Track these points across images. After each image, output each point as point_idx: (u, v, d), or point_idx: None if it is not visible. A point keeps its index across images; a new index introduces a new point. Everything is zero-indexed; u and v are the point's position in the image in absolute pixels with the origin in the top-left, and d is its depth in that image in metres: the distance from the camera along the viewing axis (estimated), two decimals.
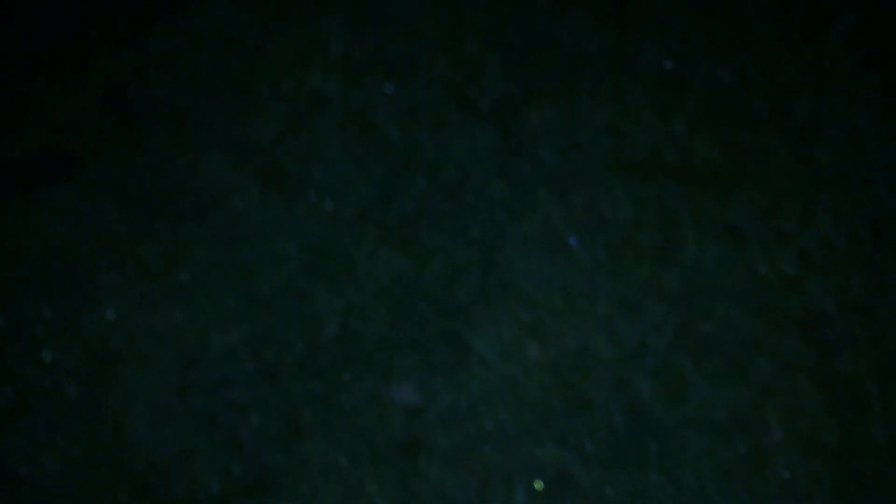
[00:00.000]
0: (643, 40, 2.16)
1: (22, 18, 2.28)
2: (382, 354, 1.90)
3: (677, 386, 1.85)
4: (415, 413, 1.86)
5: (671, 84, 2.10)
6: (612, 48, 2.16)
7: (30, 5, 2.30)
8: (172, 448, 1.84)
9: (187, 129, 2.13)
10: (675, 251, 1.96)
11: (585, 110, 2.09)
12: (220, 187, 2.06)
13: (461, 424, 1.84)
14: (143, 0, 2.30)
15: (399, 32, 2.23)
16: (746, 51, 2.14)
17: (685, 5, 2.22)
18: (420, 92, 2.14)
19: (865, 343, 1.87)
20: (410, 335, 1.93)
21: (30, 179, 2.09)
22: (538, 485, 1.63)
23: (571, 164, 2.04)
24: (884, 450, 1.80)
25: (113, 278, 1.98)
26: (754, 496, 1.78)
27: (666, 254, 1.96)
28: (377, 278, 1.97)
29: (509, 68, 2.15)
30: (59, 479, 1.84)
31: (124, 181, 2.08)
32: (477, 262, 1.97)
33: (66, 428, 1.86)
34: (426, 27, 2.23)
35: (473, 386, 1.87)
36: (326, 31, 2.24)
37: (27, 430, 1.86)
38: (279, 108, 2.14)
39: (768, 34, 2.16)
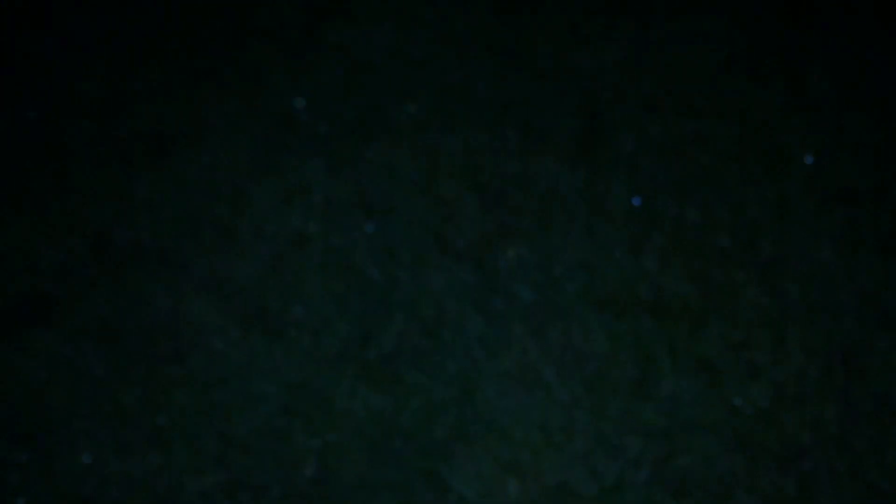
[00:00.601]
0: (612, 179, 2.03)
1: (7, 164, 2.13)
2: (361, 495, 1.67)
3: None
4: None
5: (641, 221, 1.95)
6: (583, 187, 2.03)
7: (16, 151, 2.15)
8: None
9: (170, 272, 1.95)
10: (652, 385, 1.77)
11: (559, 247, 1.93)
12: (201, 328, 1.87)
13: None
14: (129, 145, 2.15)
15: (378, 176, 2.09)
16: (711, 189, 2.00)
17: (652, 147, 2.09)
18: (399, 232, 1.98)
19: (844, 474, 1.66)
20: (389, 475, 1.70)
21: (10, 323, 1.88)
22: None
23: (547, 300, 1.86)
24: None
25: (90, 422, 1.77)
26: None
27: (643, 388, 1.77)
28: (356, 417, 1.75)
29: (485, 208, 2.01)
30: None
31: (106, 324, 1.89)
32: (455, 398, 1.76)
33: None
34: (404, 170, 2.10)
35: None
36: (309, 174, 2.10)
37: None
38: (261, 249, 1.97)
39: (732, 173, 2.03)
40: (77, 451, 1.80)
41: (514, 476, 1.76)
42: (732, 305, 1.92)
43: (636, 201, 2.05)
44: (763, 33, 2.33)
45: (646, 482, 1.75)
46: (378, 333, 1.93)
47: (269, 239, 2.07)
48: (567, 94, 2.28)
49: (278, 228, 2.09)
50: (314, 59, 2.40)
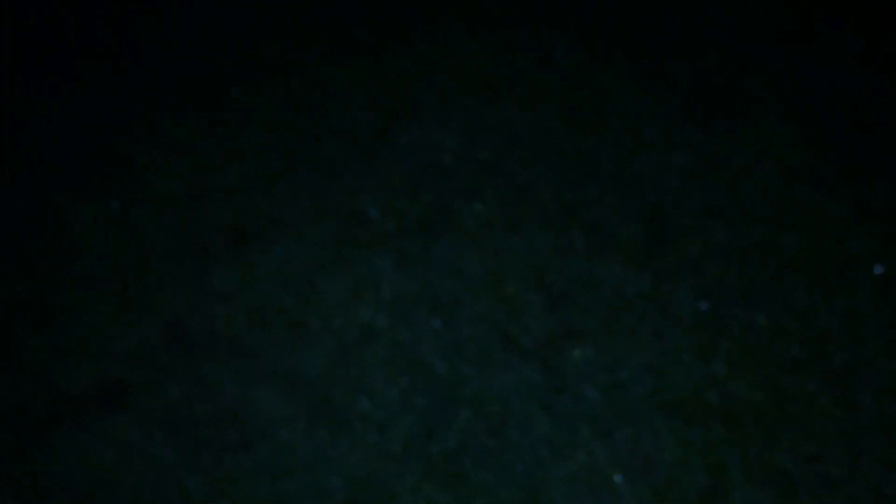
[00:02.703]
0: (678, 284, 1.99)
1: (88, 252, 2.16)
2: None
3: None
4: None
5: (708, 326, 1.90)
6: (649, 291, 1.98)
7: (98, 239, 2.18)
8: None
9: (240, 361, 1.94)
10: (723, 495, 1.69)
11: (626, 350, 1.88)
12: (268, 418, 1.84)
13: None
14: (206, 238, 2.18)
15: (445, 272, 2.08)
16: (780, 297, 1.95)
17: (717, 252, 2.05)
18: (465, 328, 1.95)
19: None
20: None
21: (84, 407, 1.87)
22: None
23: (614, 403, 1.81)
24: None
25: None
26: None
27: (713, 498, 1.68)
28: None
29: (551, 308, 1.97)
30: None
31: (176, 411, 1.87)
32: (520, 500, 1.70)
33: None
34: (471, 268, 2.08)
35: None
36: (378, 270, 2.09)
37: None
38: (329, 342, 1.96)
39: (800, 282, 1.97)
40: None
41: None
42: (805, 415, 1.85)
43: (703, 306, 2.01)
44: (827, 143, 2.31)
45: None
46: (443, 430, 1.88)
47: (337, 332, 2.06)
48: (632, 198, 2.26)
49: (346, 322, 2.07)
50: (385, 160, 2.43)
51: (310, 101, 2.57)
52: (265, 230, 2.25)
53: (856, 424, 1.81)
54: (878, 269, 1.96)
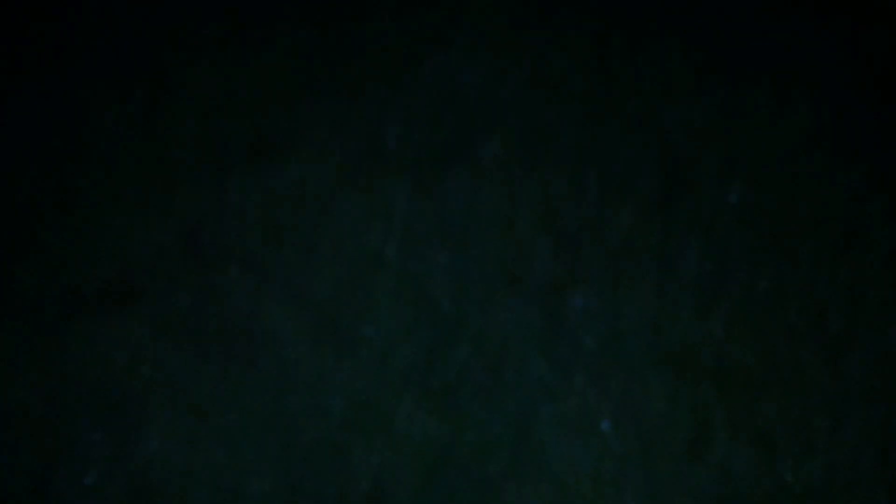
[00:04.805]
0: (686, 240, 2.01)
1: (109, 155, 2.18)
2: None
3: None
4: None
5: (710, 285, 1.93)
6: (656, 244, 2.01)
7: (118, 143, 2.21)
8: None
9: (251, 277, 1.98)
10: (706, 450, 1.75)
11: (627, 301, 1.92)
12: (274, 335, 1.90)
13: None
14: (226, 148, 2.19)
15: (457, 208, 2.10)
16: (784, 262, 1.97)
17: (729, 211, 2.07)
18: (472, 266, 1.99)
19: None
20: (440, 502, 1.70)
21: (97, 305, 1.93)
22: None
23: (610, 352, 1.86)
24: None
25: (164, 411, 1.79)
26: None
27: (696, 451, 1.75)
28: (413, 440, 1.76)
29: (558, 252, 2.00)
30: None
31: (186, 319, 1.92)
32: (511, 437, 1.76)
33: None
34: (483, 205, 2.10)
35: None
36: (391, 198, 2.11)
37: None
38: (339, 267, 2.00)
39: (806, 249, 2.00)
40: (148, 437, 1.83)
41: None
42: (794, 381, 1.90)
43: (707, 265, 2.03)
44: (850, 110, 2.30)
45: None
46: (442, 363, 1.94)
47: (347, 257, 2.09)
48: (650, 148, 2.27)
49: (357, 248, 2.11)
50: (408, 87, 2.42)
51: (337, 18, 2.55)
52: (283, 147, 2.26)
53: (843, 393, 1.86)
54: (886, 244, 1.95)
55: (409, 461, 1.81)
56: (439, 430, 1.84)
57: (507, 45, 2.51)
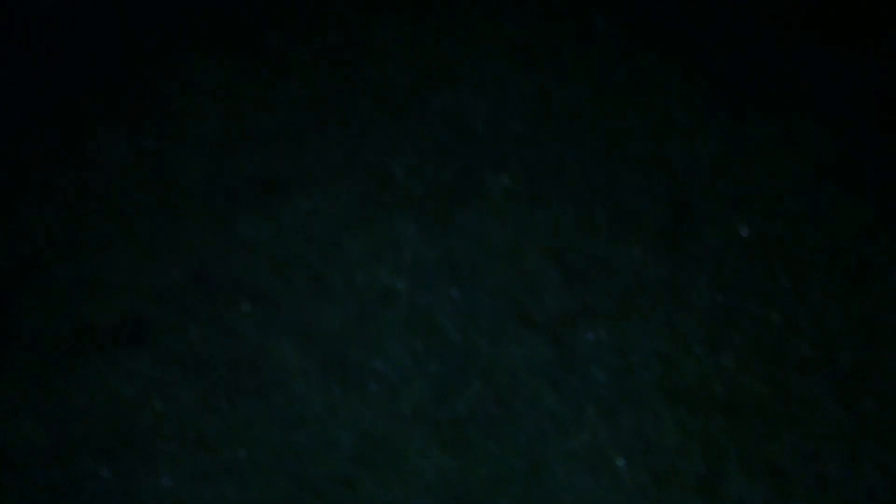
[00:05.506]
0: (696, 273, 2.01)
1: (121, 189, 2.19)
2: None
3: None
4: None
5: (721, 318, 1.93)
6: (667, 277, 2.01)
7: (131, 178, 2.22)
8: None
9: (261, 311, 1.98)
10: (719, 485, 1.73)
11: (638, 334, 1.91)
12: (284, 369, 1.89)
13: None
14: (236, 185, 2.21)
15: (467, 241, 2.11)
16: (795, 294, 1.97)
17: (738, 244, 2.07)
18: (482, 299, 1.99)
19: None
20: None
21: (108, 341, 1.93)
22: None
23: (621, 386, 1.85)
24: None
25: (173, 446, 1.79)
26: None
27: (709, 486, 1.73)
28: (424, 476, 1.75)
29: (568, 286, 2.00)
30: None
31: (196, 353, 1.92)
32: (522, 471, 1.75)
33: None
34: (492, 239, 2.11)
35: None
36: (401, 232, 2.12)
37: None
38: (348, 300, 2.00)
39: (817, 282, 2.00)
40: (158, 473, 1.82)
41: None
42: (807, 415, 1.88)
43: (718, 297, 2.03)
44: (857, 143, 2.31)
45: None
46: (453, 397, 1.93)
47: (357, 290, 2.09)
48: (658, 182, 2.28)
49: (366, 281, 2.11)
50: (416, 122, 2.44)
51: (346, 54, 2.57)
52: (293, 182, 2.28)
53: (856, 427, 1.85)
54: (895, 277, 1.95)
55: (420, 496, 1.79)
56: (450, 465, 1.83)
57: (514, 80, 2.53)
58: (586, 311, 2.02)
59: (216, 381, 1.95)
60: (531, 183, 2.26)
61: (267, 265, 2.12)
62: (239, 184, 2.27)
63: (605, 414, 1.88)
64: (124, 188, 2.26)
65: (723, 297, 2.03)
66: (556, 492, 1.79)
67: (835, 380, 1.90)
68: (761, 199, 2.20)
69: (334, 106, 2.46)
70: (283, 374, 1.95)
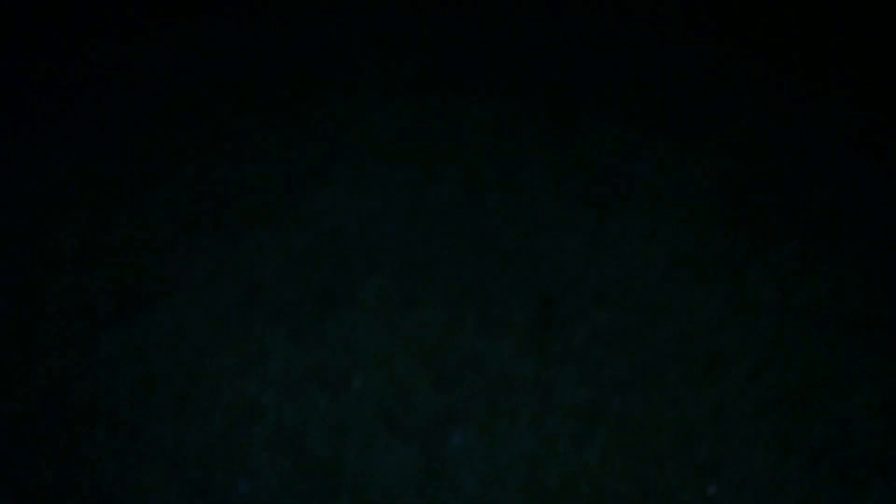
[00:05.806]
0: (562, 369, 2.03)
1: None
2: None
3: None
4: None
5: (586, 414, 1.95)
6: (533, 375, 2.03)
7: None
8: None
9: (120, 436, 1.91)
10: None
11: (506, 436, 1.91)
12: (145, 498, 1.81)
13: None
14: (96, 299, 2.15)
15: (337, 347, 2.09)
16: (655, 386, 2.01)
17: (602, 337, 2.11)
18: (351, 408, 1.97)
19: None
20: None
21: None
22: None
23: (489, 493, 1.83)
24: None
25: None
26: None
27: None
28: None
29: (437, 389, 2.00)
30: None
31: (52, 487, 1.83)
32: None
33: None
34: (363, 344, 2.10)
35: None
36: (269, 343, 2.09)
37: None
38: (214, 418, 1.95)
39: (674, 372, 2.04)
40: None
41: None
42: None
43: (583, 393, 2.04)
44: (711, 232, 2.39)
45: None
46: None
47: (223, 407, 2.05)
48: (525, 279, 2.31)
49: (233, 397, 2.07)
50: (290, 225, 2.43)
51: (220, 155, 2.56)
52: (157, 295, 2.23)
53: None
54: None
55: None
56: None
57: (386, 179, 2.55)
58: (455, 415, 2.02)
59: None
60: (402, 284, 2.27)
61: (128, 385, 2.06)
62: (100, 298, 2.22)
63: None
64: None
65: (588, 391, 2.05)
66: None
67: (692, 471, 1.93)
68: (622, 290, 2.26)
69: (205, 210, 2.43)
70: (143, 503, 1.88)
